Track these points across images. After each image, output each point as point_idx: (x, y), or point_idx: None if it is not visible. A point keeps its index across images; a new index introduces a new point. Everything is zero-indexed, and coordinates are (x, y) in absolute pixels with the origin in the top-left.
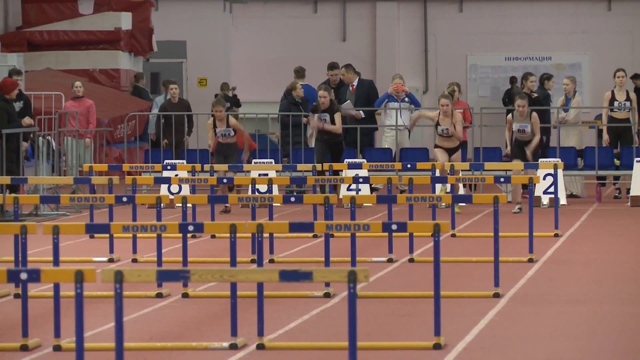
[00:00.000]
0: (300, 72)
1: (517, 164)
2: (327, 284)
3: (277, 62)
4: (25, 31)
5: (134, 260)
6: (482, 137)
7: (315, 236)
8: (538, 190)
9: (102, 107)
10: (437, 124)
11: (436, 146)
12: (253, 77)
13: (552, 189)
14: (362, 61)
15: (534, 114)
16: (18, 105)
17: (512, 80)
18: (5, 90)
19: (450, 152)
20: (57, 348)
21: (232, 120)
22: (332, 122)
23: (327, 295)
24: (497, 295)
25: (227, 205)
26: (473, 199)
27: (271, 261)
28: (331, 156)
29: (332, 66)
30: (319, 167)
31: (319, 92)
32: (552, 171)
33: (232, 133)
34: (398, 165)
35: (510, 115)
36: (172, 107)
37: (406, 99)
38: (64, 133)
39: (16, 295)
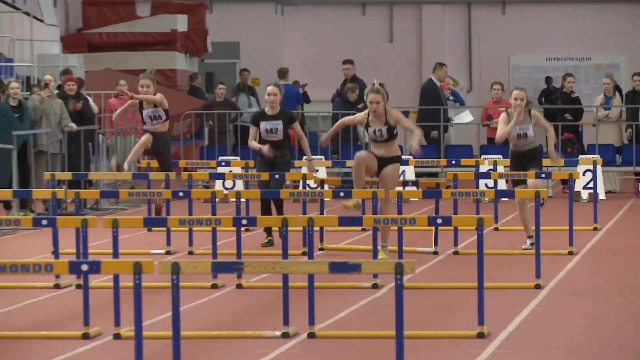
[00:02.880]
0: (283, 73)
1: (522, 191)
2: (375, 276)
3: (326, 63)
4: (86, 33)
5: (190, 253)
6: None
7: (363, 229)
8: (578, 186)
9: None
10: (367, 125)
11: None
12: (303, 77)
13: (591, 185)
14: (409, 61)
15: (533, 111)
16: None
17: (548, 79)
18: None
19: (383, 162)
20: (117, 336)
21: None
22: None
23: (375, 287)
24: (538, 287)
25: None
26: (515, 194)
27: (321, 249)
28: None
29: (346, 61)
30: None
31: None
32: (591, 167)
33: (161, 114)
34: (443, 161)
35: (505, 114)
36: (216, 105)
37: (451, 97)
38: (116, 132)
39: (78, 286)
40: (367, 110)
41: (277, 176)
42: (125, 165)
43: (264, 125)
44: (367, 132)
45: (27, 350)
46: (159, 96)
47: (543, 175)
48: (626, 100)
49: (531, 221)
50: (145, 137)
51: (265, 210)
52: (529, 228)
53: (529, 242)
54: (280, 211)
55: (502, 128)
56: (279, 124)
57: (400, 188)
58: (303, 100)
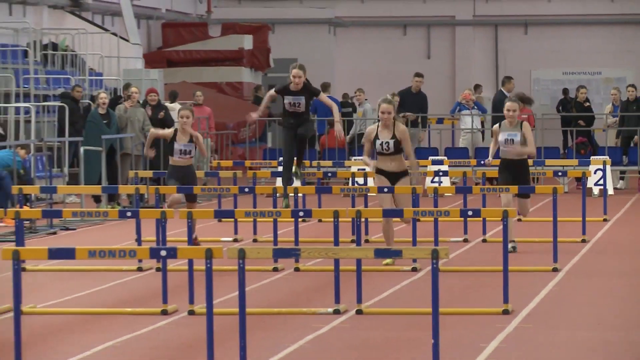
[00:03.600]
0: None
1: (509, 195)
2: (415, 260)
3: (372, 76)
4: (165, 50)
5: (255, 240)
6: (543, 138)
7: (405, 221)
8: (590, 183)
9: (228, 113)
10: (376, 137)
11: (377, 170)
12: (352, 88)
13: (601, 182)
14: (444, 75)
15: (525, 123)
16: (158, 113)
17: (565, 91)
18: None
19: (394, 177)
20: (191, 312)
21: (195, 134)
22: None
23: (414, 270)
24: (555, 270)
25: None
26: (536, 189)
27: (366, 241)
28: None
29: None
30: None
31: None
32: (601, 167)
33: (193, 150)
34: (473, 161)
35: (497, 125)
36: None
37: (474, 107)
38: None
39: (157, 269)
40: (376, 124)
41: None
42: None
43: (288, 99)
44: (375, 145)
45: (114, 324)
46: (200, 137)
47: (470, 213)
48: (621, 109)
49: (514, 231)
50: (175, 197)
51: (288, 163)
52: (512, 232)
53: (510, 245)
54: (301, 155)
55: (493, 143)
56: (301, 99)
57: (436, 184)
58: (352, 108)
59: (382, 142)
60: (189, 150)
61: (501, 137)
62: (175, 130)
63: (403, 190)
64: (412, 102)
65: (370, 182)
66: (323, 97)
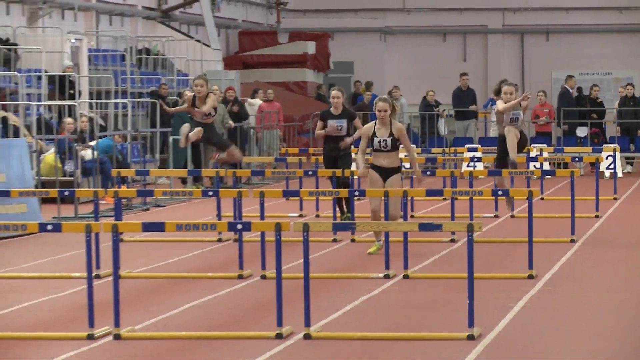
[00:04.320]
0: (368, 85)
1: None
2: (453, 233)
3: (416, 76)
4: (241, 55)
5: (317, 216)
6: (562, 129)
7: (444, 199)
8: (602, 167)
9: (294, 108)
10: (373, 135)
11: (371, 166)
12: (400, 86)
13: (612, 166)
14: (477, 76)
15: (524, 103)
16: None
17: (579, 89)
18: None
19: (387, 173)
20: (263, 277)
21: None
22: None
23: (453, 241)
24: (573, 241)
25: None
26: (556, 172)
27: (412, 216)
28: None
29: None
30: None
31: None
32: (612, 153)
33: (213, 112)
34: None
35: (499, 102)
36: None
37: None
38: (263, 127)
39: (234, 240)
40: (373, 122)
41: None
42: (183, 140)
43: (331, 122)
44: (373, 142)
45: (198, 287)
46: (208, 105)
47: (500, 193)
48: (620, 104)
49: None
50: (198, 130)
51: (339, 201)
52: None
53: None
54: (348, 203)
55: (498, 118)
56: (343, 122)
57: (471, 168)
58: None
59: (380, 139)
60: (208, 114)
61: (506, 117)
62: (194, 99)
63: (393, 193)
64: (463, 99)
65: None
66: (357, 122)
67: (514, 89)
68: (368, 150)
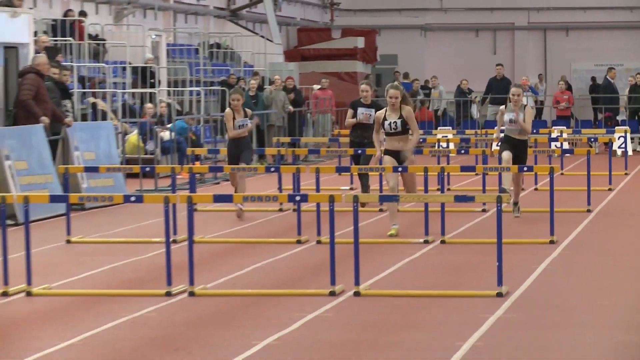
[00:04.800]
0: (406, 75)
1: (513, 168)
2: (484, 204)
3: (452, 67)
4: (299, 48)
5: None
6: (579, 113)
7: (476, 174)
8: (614, 146)
9: (345, 95)
10: (384, 119)
11: (385, 152)
12: (439, 77)
13: (623, 145)
14: (506, 66)
15: (528, 107)
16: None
17: (593, 79)
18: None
19: (397, 155)
20: (318, 242)
21: (248, 112)
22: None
23: (484, 211)
24: (589, 211)
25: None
26: (574, 151)
27: (448, 189)
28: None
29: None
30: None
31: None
32: (623, 134)
33: (249, 123)
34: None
35: (503, 107)
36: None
37: (529, 90)
38: (318, 111)
39: (293, 210)
40: (385, 108)
41: (359, 151)
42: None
43: (360, 110)
44: (384, 125)
45: (261, 250)
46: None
47: (525, 169)
48: (629, 91)
49: (518, 190)
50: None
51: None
52: (517, 194)
53: (516, 210)
54: (366, 182)
55: (498, 122)
56: (372, 111)
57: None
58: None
59: (390, 122)
60: (245, 124)
61: (506, 117)
62: (233, 113)
63: (412, 170)
64: (498, 86)
65: (451, 144)
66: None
67: (521, 91)
68: (382, 136)
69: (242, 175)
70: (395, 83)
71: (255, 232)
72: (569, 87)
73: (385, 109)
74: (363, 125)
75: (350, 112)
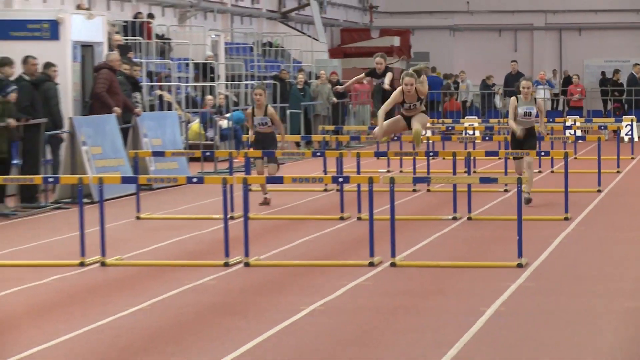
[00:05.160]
0: (434, 69)
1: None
2: (506, 185)
3: (478, 63)
4: (342, 47)
5: (400, 171)
6: (591, 104)
7: (499, 158)
8: (622, 133)
9: None
10: (403, 101)
11: (402, 115)
12: (466, 72)
13: (630, 133)
14: (525, 63)
15: (539, 99)
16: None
17: (603, 73)
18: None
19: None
20: (359, 219)
21: (270, 109)
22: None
23: (506, 191)
24: (599, 191)
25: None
26: (586, 138)
27: (474, 172)
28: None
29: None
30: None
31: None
32: (630, 123)
33: (269, 122)
34: (545, 119)
35: (514, 98)
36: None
37: (546, 84)
38: (358, 103)
39: (337, 190)
40: (401, 90)
41: None
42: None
43: (376, 80)
44: (403, 105)
45: (309, 227)
46: (270, 109)
47: (543, 153)
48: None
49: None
50: (273, 166)
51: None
52: (531, 184)
53: (525, 196)
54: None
55: (511, 112)
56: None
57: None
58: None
59: (410, 104)
60: (265, 122)
61: (520, 110)
62: (253, 109)
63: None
64: (512, 81)
65: (477, 132)
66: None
67: (531, 84)
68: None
69: (271, 171)
70: (410, 71)
71: (303, 209)
72: (567, 80)
73: (401, 90)
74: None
75: (366, 77)
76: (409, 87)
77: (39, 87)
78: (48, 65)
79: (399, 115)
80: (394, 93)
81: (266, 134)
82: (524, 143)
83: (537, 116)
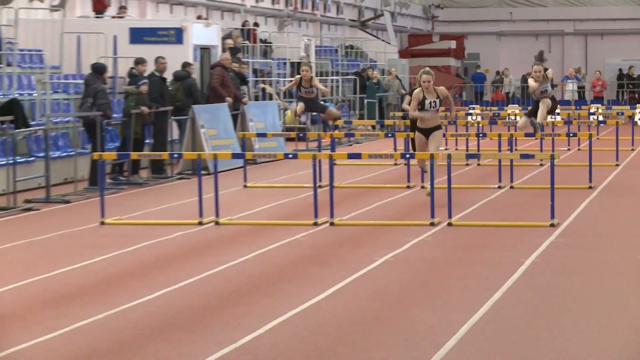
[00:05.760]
0: (478, 66)
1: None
2: (541, 160)
3: (518, 62)
4: (410, 49)
5: (456, 149)
6: (611, 94)
7: (535, 138)
8: (636, 118)
9: (441, 83)
10: (424, 98)
11: (417, 129)
12: (509, 69)
13: None
14: (557, 62)
15: (549, 71)
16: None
17: (620, 70)
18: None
19: (428, 133)
20: (422, 187)
21: (315, 81)
22: None
23: (541, 165)
24: (617, 165)
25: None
26: (607, 122)
27: (515, 149)
28: None
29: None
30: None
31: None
32: None
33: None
34: (573, 107)
35: (531, 80)
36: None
37: (574, 78)
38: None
39: (404, 164)
40: (420, 89)
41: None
42: (299, 117)
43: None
44: (424, 104)
45: (382, 193)
46: (316, 81)
47: (571, 134)
48: None
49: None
50: (301, 105)
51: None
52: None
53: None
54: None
55: (532, 84)
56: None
57: (552, 120)
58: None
59: (430, 101)
60: (310, 91)
61: (538, 90)
62: (300, 80)
63: (436, 136)
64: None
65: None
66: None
67: (542, 68)
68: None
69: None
70: (428, 69)
71: (377, 180)
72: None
73: (420, 89)
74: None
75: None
76: (427, 84)
77: (182, 82)
78: (186, 64)
79: (419, 136)
80: (414, 92)
81: (310, 99)
82: (539, 102)
83: (546, 90)
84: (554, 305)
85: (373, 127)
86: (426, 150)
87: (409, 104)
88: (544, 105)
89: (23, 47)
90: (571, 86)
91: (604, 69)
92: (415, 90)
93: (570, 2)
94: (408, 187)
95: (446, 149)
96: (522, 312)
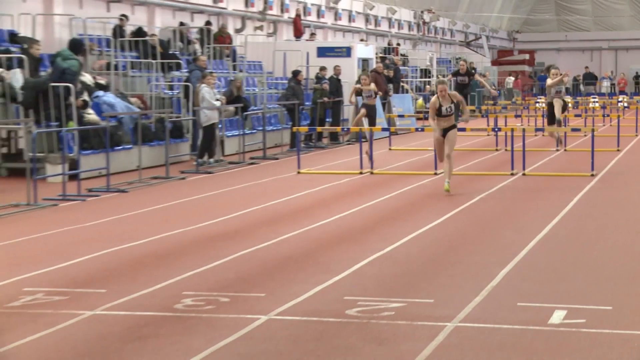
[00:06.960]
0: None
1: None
2: (585, 133)
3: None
4: (498, 59)
5: (528, 125)
6: (631, 89)
7: (581, 117)
8: None
9: (520, 82)
10: (440, 105)
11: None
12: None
13: None
14: (596, 68)
15: (564, 73)
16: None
17: (636, 72)
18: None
19: (446, 131)
20: (506, 150)
21: (373, 86)
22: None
23: (585, 135)
24: (636, 135)
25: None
26: (630, 107)
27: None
28: None
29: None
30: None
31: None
32: None
33: (373, 94)
34: (607, 97)
35: (548, 80)
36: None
37: (608, 79)
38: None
39: (494, 134)
40: (436, 96)
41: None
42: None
43: (459, 78)
44: (441, 110)
45: (476, 155)
46: (372, 86)
47: (606, 115)
48: None
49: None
50: (363, 111)
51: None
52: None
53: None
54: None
55: (549, 82)
56: (466, 78)
57: (594, 105)
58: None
59: (446, 107)
60: (370, 95)
61: (553, 91)
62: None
63: (450, 136)
64: (588, 78)
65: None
66: (476, 76)
67: (558, 71)
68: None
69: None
70: (443, 78)
71: (475, 145)
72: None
73: (436, 97)
74: (462, 84)
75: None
76: (443, 93)
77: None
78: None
79: (437, 137)
80: (431, 100)
81: (370, 105)
82: (553, 101)
83: (560, 91)
84: (602, 218)
85: (473, 111)
86: (443, 149)
87: (354, 91)
88: (557, 104)
89: (250, 60)
90: (606, 83)
91: (628, 72)
92: (432, 99)
93: (606, 28)
94: (496, 150)
95: (521, 125)
96: (575, 226)
